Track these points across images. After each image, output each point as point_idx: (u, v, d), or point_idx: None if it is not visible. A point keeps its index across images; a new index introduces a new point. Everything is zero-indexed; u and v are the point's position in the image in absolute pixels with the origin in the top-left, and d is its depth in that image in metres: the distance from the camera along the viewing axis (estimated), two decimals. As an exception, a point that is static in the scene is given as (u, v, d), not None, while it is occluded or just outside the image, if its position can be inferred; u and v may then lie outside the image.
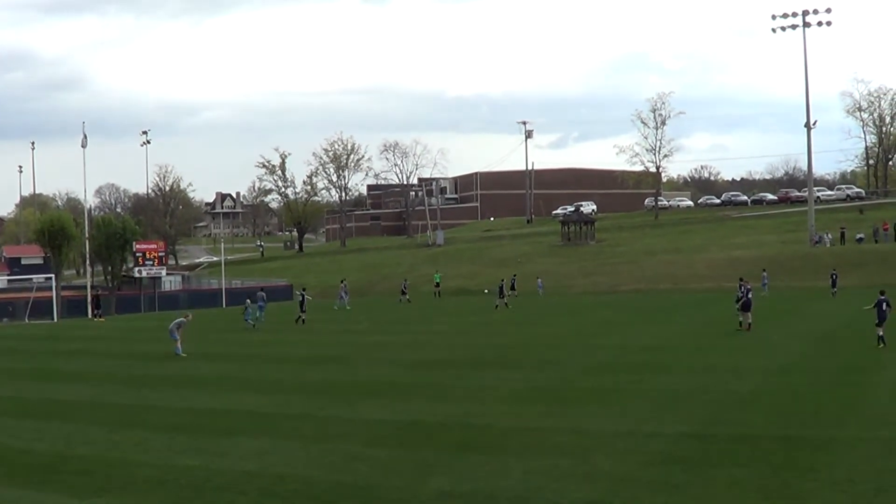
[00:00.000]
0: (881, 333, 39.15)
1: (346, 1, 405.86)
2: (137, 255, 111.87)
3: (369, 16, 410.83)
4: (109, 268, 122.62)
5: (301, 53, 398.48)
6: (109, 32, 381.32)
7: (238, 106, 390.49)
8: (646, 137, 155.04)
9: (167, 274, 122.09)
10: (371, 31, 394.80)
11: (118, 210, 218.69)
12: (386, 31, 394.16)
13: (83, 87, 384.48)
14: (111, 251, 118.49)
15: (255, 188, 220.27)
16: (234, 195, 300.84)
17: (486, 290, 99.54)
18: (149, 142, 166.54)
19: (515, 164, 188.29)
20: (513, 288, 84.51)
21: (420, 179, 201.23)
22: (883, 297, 39.94)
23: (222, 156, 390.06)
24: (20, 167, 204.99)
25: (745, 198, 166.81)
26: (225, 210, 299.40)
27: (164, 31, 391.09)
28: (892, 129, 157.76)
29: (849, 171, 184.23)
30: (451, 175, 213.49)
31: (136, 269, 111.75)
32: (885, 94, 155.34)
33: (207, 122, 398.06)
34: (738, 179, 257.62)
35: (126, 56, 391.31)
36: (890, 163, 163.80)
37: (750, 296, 49.99)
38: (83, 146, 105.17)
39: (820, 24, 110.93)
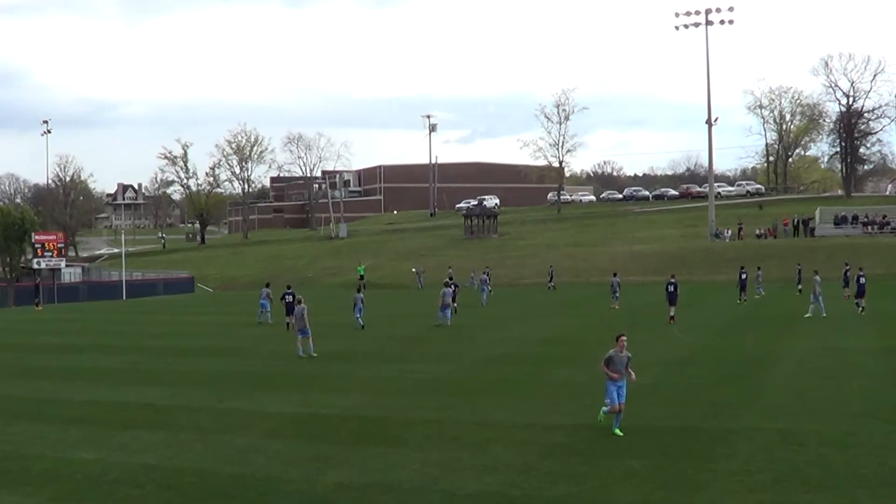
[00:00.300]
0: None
1: (268, 7, 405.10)
2: (36, 246, 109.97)
3: (289, 19, 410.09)
4: (7, 259, 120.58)
5: (223, 54, 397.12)
6: (49, 33, 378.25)
7: (155, 103, 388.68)
8: (549, 132, 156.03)
9: (66, 265, 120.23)
10: (290, 33, 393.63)
11: (17, 200, 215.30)
12: (305, 33, 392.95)
13: (11, 84, 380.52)
14: (9, 242, 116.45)
15: (157, 179, 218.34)
16: (136, 186, 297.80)
17: (416, 270, 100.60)
18: (49, 131, 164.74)
19: (420, 158, 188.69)
20: (550, 279, 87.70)
21: (324, 172, 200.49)
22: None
23: (134, 149, 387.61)
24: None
25: (647, 193, 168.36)
26: (126, 201, 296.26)
27: (100, 32, 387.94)
28: (791, 126, 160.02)
29: (749, 167, 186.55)
30: (354, 168, 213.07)
31: (35, 260, 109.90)
32: (785, 92, 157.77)
33: (122, 118, 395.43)
34: (641, 175, 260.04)
35: (60, 56, 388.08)
36: (789, 159, 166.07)
37: (671, 290, 50.60)
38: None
39: (722, 22, 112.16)
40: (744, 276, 64.25)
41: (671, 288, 50.79)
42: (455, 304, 61.96)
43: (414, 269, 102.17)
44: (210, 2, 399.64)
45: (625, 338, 23.17)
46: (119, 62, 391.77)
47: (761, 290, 68.61)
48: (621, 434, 21.63)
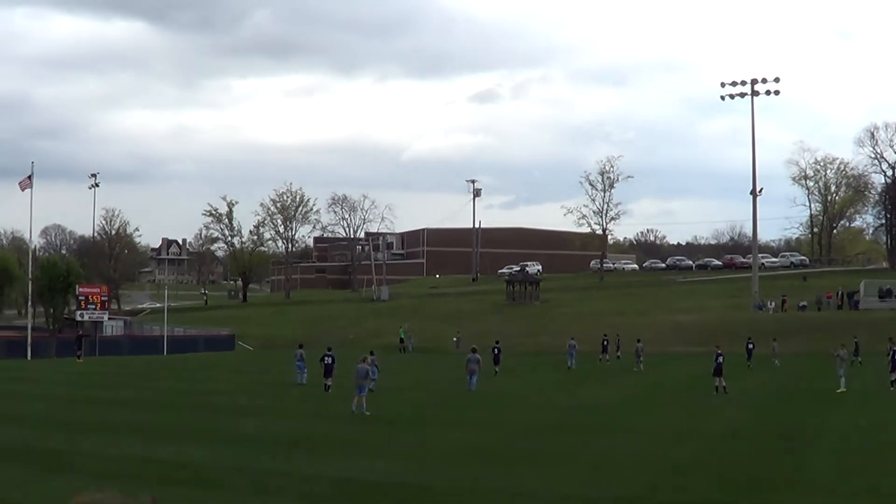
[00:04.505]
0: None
1: (316, 75, 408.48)
2: (80, 298, 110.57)
3: (338, 86, 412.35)
4: (51, 310, 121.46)
5: (272, 116, 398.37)
6: (104, 89, 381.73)
7: (203, 160, 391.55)
8: (593, 200, 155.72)
9: (109, 318, 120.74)
10: (338, 98, 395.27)
11: (63, 251, 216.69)
12: (353, 98, 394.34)
13: (63, 137, 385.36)
14: (54, 293, 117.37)
15: (202, 236, 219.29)
16: (181, 242, 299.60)
17: (454, 338, 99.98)
18: (97, 184, 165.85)
19: (464, 222, 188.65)
20: (606, 349, 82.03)
21: (367, 234, 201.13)
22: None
23: (179, 205, 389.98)
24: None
25: (690, 262, 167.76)
26: (170, 256, 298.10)
27: (152, 89, 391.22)
28: (836, 197, 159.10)
29: (793, 238, 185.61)
30: (398, 230, 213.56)
31: (79, 312, 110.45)
32: (830, 163, 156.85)
33: (170, 174, 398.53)
34: (684, 244, 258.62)
35: (112, 111, 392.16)
36: (834, 231, 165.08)
37: (719, 360, 49.90)
38: (23, 188, 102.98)
39: (768, 92, 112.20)
40: (750, 346, 70.32)
41: (720, 359, 50.21)
42: (497, 368, 62.73)
43: (455, 337, 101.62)
44: (260, 67, 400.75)
45: None
46: (170, 119, 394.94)
47: (776, 361, 72.51)
48: None
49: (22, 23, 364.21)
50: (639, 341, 71.26)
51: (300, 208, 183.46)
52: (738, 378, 56.86)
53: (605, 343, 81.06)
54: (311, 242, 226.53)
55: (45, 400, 48.27)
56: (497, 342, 68.56)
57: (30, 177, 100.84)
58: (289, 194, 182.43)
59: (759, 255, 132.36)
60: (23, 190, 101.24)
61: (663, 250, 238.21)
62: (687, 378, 61.65)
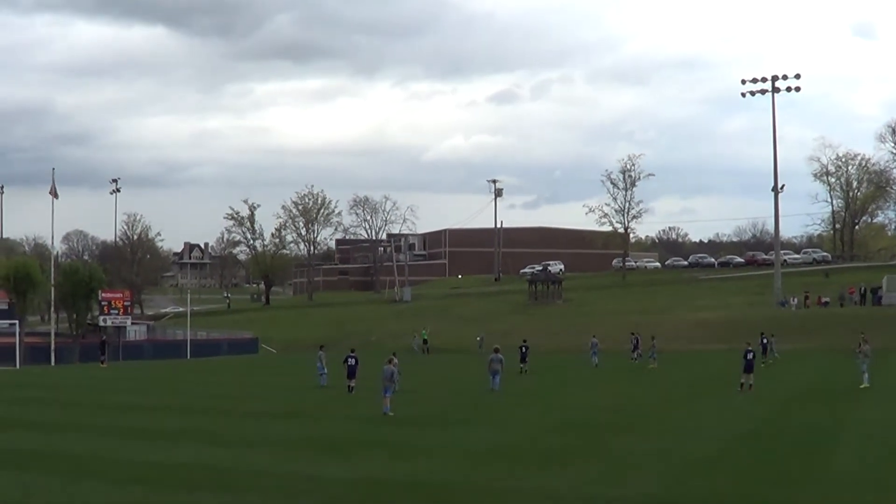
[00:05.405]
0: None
1: (338, 78, 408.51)
2: (103, 303, 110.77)
3: (360, 88, 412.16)
4: (74, 315, 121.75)
5: (293, 118, 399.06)
6: (126, 95, 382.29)
7: (225, 164, 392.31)
8: (615, 198, 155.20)
9: (132, 323, 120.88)
10: (360, 100, 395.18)
11: (85, 257, 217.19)
12: (374, 100, 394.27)
13: (85, 143, 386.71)
14: (77, 299, 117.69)
15: (224, 239, 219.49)
16: (203, 246, 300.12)
17: (478, 338, 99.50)
18: (118, 190, 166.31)
19: (485, 222, 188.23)
20: (637, 347, 79.03)
21: (389, 235, 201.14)
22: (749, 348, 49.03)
23: (201, 209, 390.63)
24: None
25: (713, 260, 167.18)
26: (192, 261, 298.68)
27: (174, 95, 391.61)
28: (858, 193, 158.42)
29: (815, 234, 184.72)
30: (420, 232, 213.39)
31: (102, 317, 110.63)
32: (852, 159, 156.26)
33: (192, 178, 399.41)
34: (706, 241, 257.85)
35: (133, 117, 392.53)
36: (856, 227, 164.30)
37: (750, 357, 49.64)
38: (54, 196, 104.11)
39: (789, 89, 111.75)
40: (765, 342, 69.69)
41: (750, 356, 49.87)
42: (524, 366, 62.80)
43: (478, 338, 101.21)
44: (281, 71, 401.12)
45: None
46: (191, 124, 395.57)
47: (775, 354, 71.66)
48: None
49: (43, 30, 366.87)
50: (653, 338, 72.09)
51: (322, 210, 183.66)
52: (755, 375, 56.79)
53: (635, 341, 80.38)
54: (333, 244, 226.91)
55: (69, 406, 48.44)
56: (524, 341, 68.73)
57: (53, 185, 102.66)
58: (310, 197, 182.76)
59: (782, 252, 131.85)
60: (56, 198, 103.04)
61: (685, 248, 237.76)
62: (710, 375, 61.47)
